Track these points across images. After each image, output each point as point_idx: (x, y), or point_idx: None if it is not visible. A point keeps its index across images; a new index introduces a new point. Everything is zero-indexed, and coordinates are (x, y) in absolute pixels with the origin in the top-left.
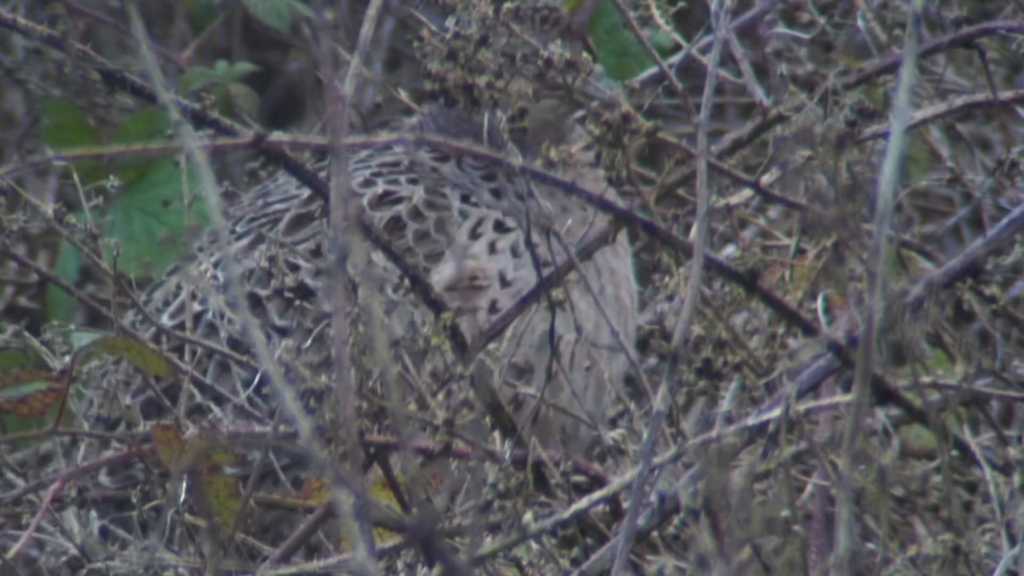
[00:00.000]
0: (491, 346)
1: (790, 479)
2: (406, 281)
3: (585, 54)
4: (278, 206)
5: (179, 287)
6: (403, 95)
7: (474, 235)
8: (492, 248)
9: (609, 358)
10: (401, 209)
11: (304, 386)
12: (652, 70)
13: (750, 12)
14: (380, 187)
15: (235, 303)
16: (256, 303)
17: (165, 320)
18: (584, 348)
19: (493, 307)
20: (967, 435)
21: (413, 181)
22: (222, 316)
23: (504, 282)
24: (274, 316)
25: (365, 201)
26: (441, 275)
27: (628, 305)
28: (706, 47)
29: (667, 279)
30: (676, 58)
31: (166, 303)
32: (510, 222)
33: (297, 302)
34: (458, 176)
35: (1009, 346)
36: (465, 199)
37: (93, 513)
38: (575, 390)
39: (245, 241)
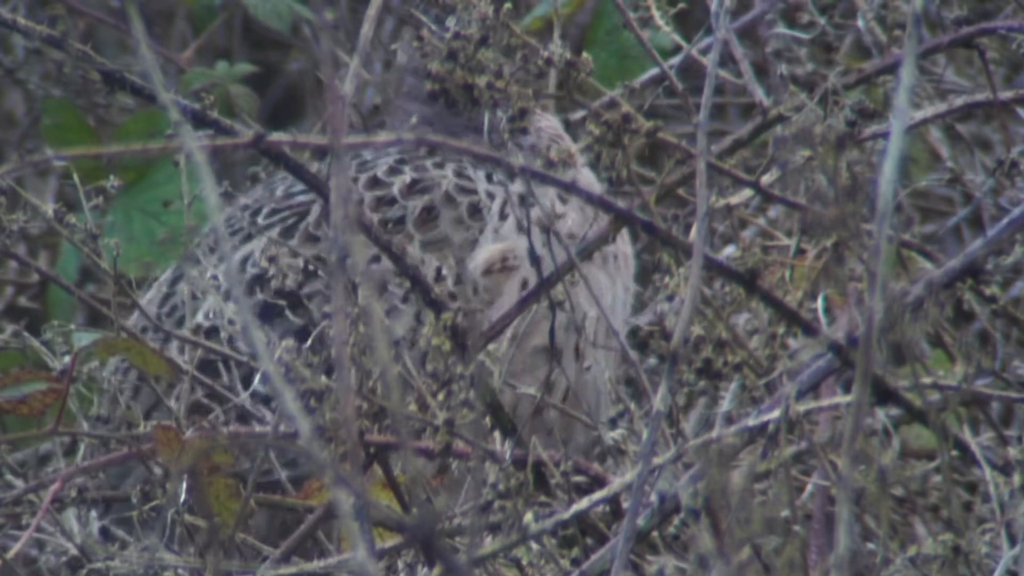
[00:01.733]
0: (491, 346)
1: (790, 479)
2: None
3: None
4: (302, 198)
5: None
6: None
7: (503, 215)
8: (519, 226)
9: (606, 344)
10: (434, 198)
11: (304, 386)
12: (653, 71)
13: (750, 13)
14: (408, 175)
15: (236, 302)
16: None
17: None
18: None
19: (524, 286)
20: (967, 435)
21: (439, 165)
22: (222, 316)
23: (534, 259)
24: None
25: (395, 190)
26: (476, 261)
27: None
28: (706, 48)
29: (667, 279)
30: (676, 59)
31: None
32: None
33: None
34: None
35: (1009, 346)
36: (489, 178)
37: (93, 513)
38: (584, 393)
39: (272, 233)
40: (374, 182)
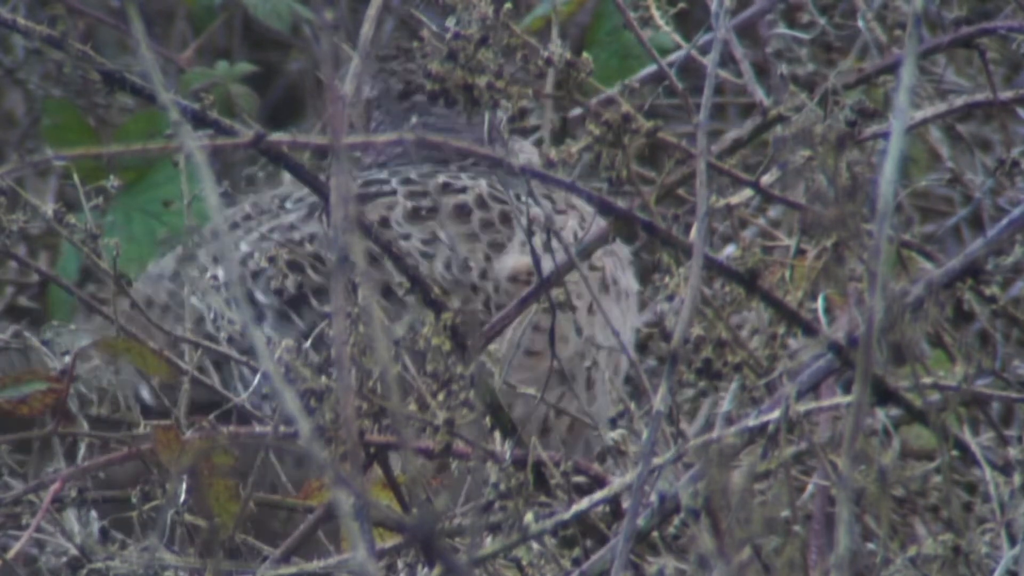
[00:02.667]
0: (491, 346)
1: (790, 479)
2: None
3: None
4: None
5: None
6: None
7: (531, 234)
8: (545, 248)
9: (608, 360)
10: (467, 198)
11: (304, 386)
12: (651, 68)
13: (749, 10)
14: (441, 178)
15: (236, 302)
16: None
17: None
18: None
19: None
20: (967, 435)
21: (473, 177)
22: (222, 316)
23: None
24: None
25: (430, 186)
26: (503, 265)
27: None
28: (706, 47)
29: (667, 279)
30: (675, 56)
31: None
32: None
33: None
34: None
35: (1009, 346)
36: (518, 197)
37: (93, 513)
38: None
39: (297, 214)
40: (407, 180)
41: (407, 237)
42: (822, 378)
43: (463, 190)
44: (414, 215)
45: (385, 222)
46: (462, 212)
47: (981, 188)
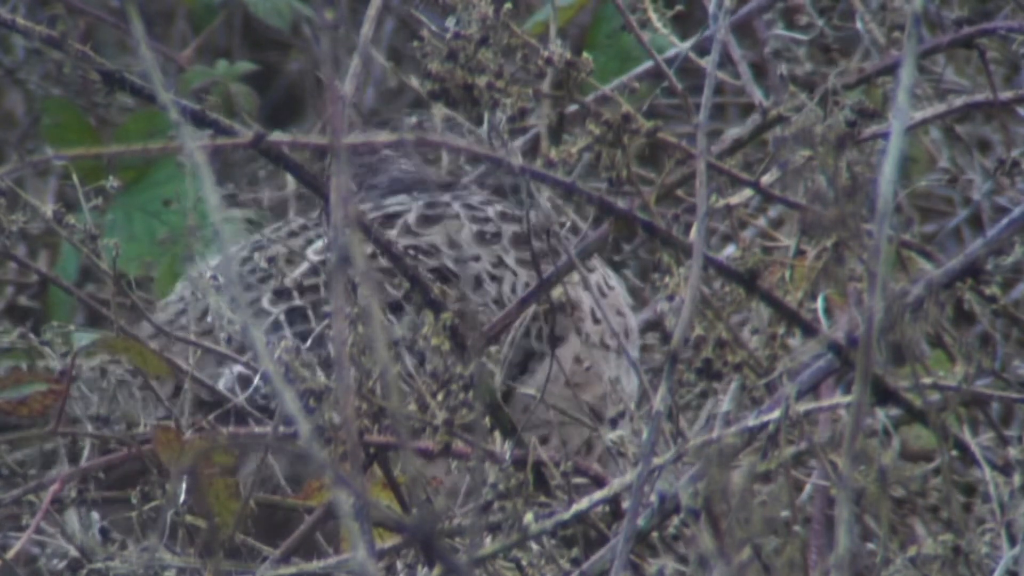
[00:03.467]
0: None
1: (790, 480)
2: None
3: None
4: (397, 207)
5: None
6: (414, 83)
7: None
8: (584, 284)
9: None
10: (523, 228)
11: (304, 386)
12: (647, 64)
13: (746, 7)
14: (498, 206)
15: (236, 303)
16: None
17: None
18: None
19: (587, 340)
20: (967, 435)
21: (522, 206)
22: (221, 316)
23: (595, 319)
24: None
25: (491, 212)
26: (554, 294)
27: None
28: (703, 47)
29: (667, 279)
30: (672, 52)
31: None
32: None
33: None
34: None
35: (1009, 346)
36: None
37: (95, 514)
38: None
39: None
40: (469, 207)
41: (477, 259)
42: (822, 378)
43: (519, 219)
44: (481, 238)
45: (454, 243)
46: (520, 240)
47: (980, 190)
